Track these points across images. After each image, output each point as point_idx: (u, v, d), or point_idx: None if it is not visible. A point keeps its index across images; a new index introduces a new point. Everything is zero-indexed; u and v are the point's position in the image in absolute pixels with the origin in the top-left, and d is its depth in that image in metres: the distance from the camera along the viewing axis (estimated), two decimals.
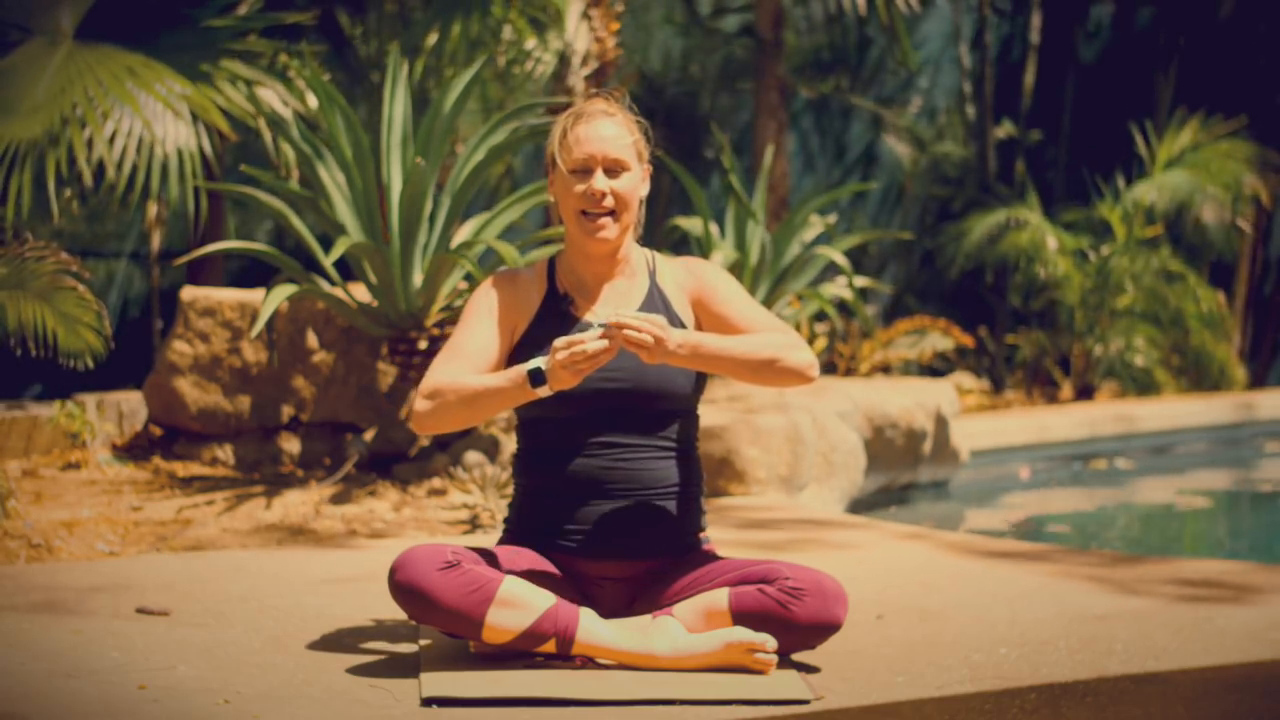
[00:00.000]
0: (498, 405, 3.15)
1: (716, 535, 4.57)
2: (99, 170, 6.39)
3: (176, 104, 6.41)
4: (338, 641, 3.38)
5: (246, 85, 6.72)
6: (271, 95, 6.80)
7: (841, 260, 7.63)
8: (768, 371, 3.19)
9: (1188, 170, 10.48)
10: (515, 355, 3.30)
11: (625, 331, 3.03)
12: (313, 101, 6.85)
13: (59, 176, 6.30)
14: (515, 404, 3.15)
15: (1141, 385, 10.47)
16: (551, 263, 3.41)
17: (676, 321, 3.31)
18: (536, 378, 3.07)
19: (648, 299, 3.34)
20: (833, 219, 8.19)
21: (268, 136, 6.93)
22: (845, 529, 5.03)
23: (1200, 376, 11.16)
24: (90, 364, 4.84)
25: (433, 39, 8.03)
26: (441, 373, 3.23)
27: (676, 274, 3.39)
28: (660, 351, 3.07)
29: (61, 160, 6.14)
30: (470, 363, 3.25)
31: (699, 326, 3.35)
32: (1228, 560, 4.39)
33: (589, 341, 3.03)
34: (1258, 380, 12.01)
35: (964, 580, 4.11)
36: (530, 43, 8.20)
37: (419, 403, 3.19)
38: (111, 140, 6.28)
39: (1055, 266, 10.26)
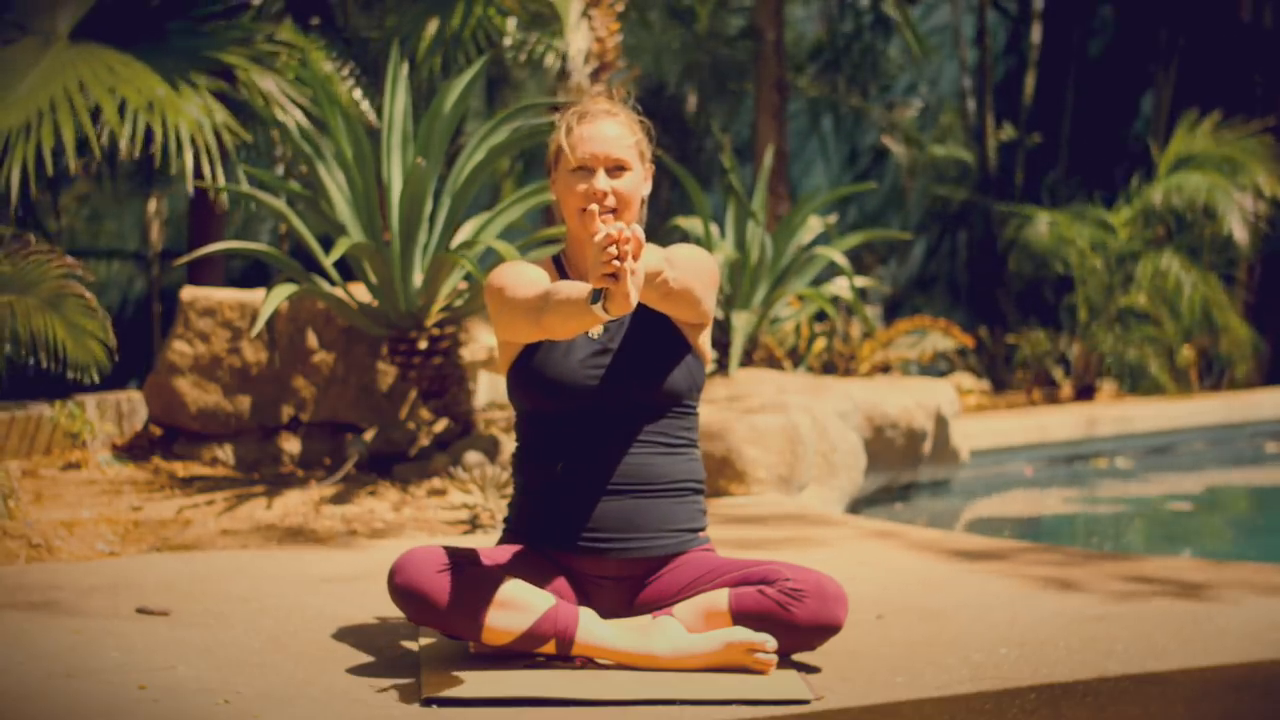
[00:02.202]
0: (572, 316, 2.98)
1: (714, 534, 4.57)
2: (107, 161, 6.39)
3: (148, 99, 6.41)
4: (338, 641, 3.38)
5: (230, 81, 6.72)
6: (274, 89, 6.80)
7: (841, 260, 7.62)
8: (655, 291, 3.10)
9: (1201, 170, 10.46)
10: (531, 346, 3.27)
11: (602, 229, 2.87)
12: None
13: (52, 171, 6.30)
14: (582, 322, 2.98)
15: (1142, 385, 10.47)
16: (558, 260, 3.41)
17: (667, 320, 3.29)
18: (597, 296, 2.93)
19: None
20: (833, 219, 8.19)
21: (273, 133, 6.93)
22: (831, 527, 5.03)
23: (1203, 376, 11.15)
24: (96, 378, 4.84)
25: (433, 28, 8.00)
26: (530, 290, 3.16)
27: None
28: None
29: (30, 154, 6.12)
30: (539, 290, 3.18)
31: None
32: (1229, 560, 4.39)
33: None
34: (1261, 379, 12.00)
35: (963, 580, 4.11)
36: (539, 43, 8.18)
37: (541, 316, 3.09)
38: (119, 111, 6.27)
39: (1090, 264, 10.29)
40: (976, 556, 4.45)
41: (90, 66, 6.39)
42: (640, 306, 3.29)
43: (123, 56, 6.50)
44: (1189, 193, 10.34)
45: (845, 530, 4.99)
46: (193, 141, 6.36)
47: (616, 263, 2.80)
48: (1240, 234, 10.39)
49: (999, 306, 12.51)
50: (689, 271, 3.18)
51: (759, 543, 4.65)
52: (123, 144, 6.27)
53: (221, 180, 6.56)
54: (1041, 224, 10.71)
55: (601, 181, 3.25)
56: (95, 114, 6.37)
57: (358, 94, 7.61)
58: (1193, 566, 4.20)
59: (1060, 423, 9.03)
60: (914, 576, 4.17)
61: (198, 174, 6.79)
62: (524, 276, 3.24)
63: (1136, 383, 10.49)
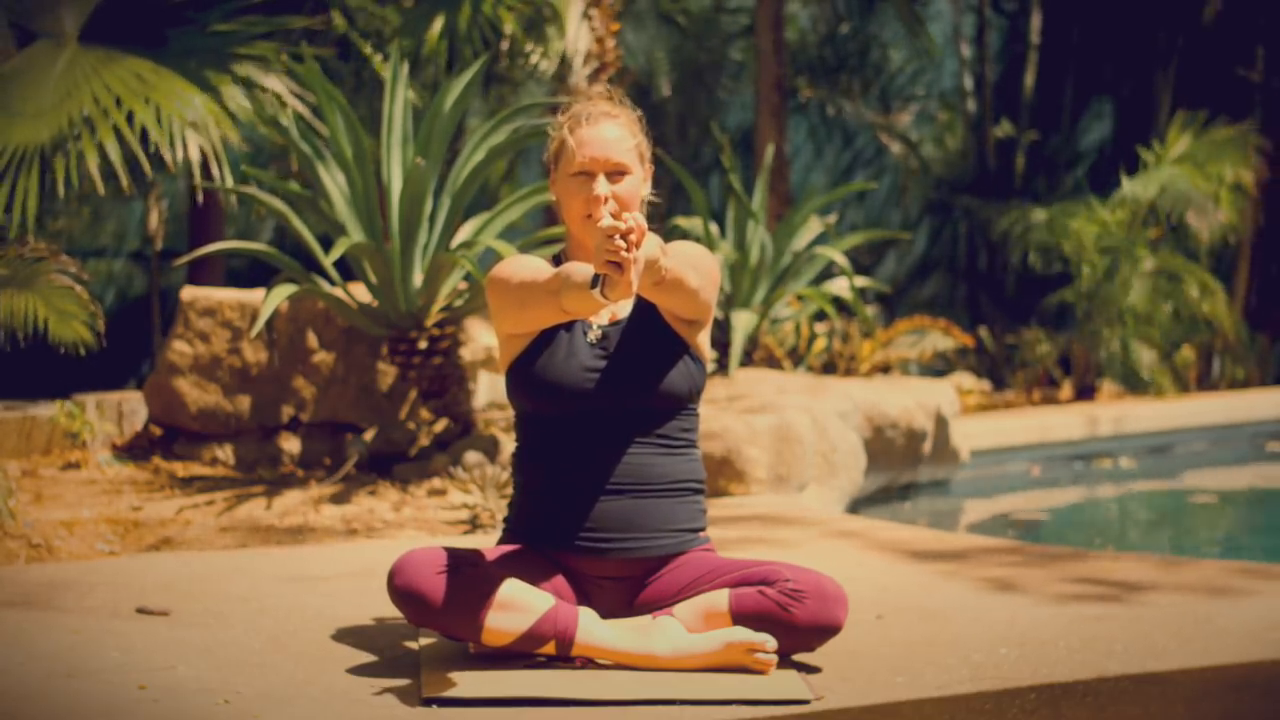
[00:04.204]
0: (584, 300, 2.99)
1: (713, 534, 4.57)
2: (110, 170, 6.36)
3: (188, 110, 6.38)
4: (338, 641, 3.38)
5: (248, 87, 6.70)
6: (280, 89, 6.79)
7: (841, 260, 7.63)
8: (648, 276, 3.07)
9: (1183, 167, 10.46)
10: (531, 347, 3.27)
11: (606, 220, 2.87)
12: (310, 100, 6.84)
13: (66, 181, 6.29)
14: (586, 305, 2.99)
15: (1141, 385, 10.47)
16: (558, 261, 3.41)
17: (664, 319, 3.29)
18: (596, 280, 2.94)
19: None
20: (833, 219, 8.19)
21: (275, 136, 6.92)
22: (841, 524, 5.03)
23: (1203, 376, 11.15)
24: (81, 352, 4.83)
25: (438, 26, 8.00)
26: (540, 275, 3.16)
27: None
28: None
29: (72, 168, 6.12)
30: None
31: None
32: (1228, 560, 4.39)
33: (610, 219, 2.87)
34: (1261, 379, 12.00)
35: (963, 580, 4.10)
36: (530, 46, 8.18)
37: (560, 296, 3.07)
38: (134, 126, 6.25)
39: (1089, 262, 10.29)
40: (976, 556, 4.45)
41: (115, 73, 6.34)
42: (641, 310, 3.29)
43: (147, 62, 6.45)
44: (1176, 189, 10.33)
45: (845, 529, 4.99)
46: (205, 146, 6.34)
47: (624, 254, 2.81)
48: (1215, 227, 10.39)
49: (999, 306, 12.52)
50: (684, 263, 3.18)
51: (758, 542, 4.65)
52: (167, 158, 6.25)
53: (230, 181, 6.55)
54: (1041, 222, 10.72)
55: (601, 186, 3.25)
56: (138, 130, 6.32)
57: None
58: (1191, 566, 4.20)
59: (1060, 423, 9.03)
60: (914, 577, 4.17)
61: (206, 174, 6.78)
62: (529, 265, 3.25)
63: (1136, 383, 10.49)
